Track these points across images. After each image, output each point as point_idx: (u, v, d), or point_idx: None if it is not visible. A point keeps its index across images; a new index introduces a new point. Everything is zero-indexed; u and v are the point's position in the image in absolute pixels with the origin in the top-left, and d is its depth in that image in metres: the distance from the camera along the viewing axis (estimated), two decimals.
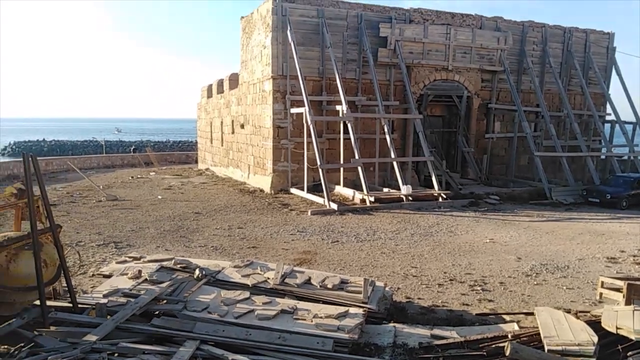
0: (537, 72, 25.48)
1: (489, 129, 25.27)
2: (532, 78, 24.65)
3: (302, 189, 20.06)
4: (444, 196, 19.05)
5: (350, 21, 21.70)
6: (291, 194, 20.51)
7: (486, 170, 25.11)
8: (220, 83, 29.69)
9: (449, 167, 23.78)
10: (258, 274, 8.24)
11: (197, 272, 8.03)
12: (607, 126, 27.66)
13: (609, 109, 27.20)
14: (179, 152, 47.18)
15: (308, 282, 7.93)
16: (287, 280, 7.89)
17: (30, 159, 6.29)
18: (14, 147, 71.87)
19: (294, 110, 20.74)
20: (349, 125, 19.57)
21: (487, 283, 9.53)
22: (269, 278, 7.99)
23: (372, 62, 21.44)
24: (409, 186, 18.97)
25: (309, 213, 16.48)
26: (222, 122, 29.45)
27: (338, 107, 20.35)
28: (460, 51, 23.51)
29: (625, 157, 26.32)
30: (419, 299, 8.63)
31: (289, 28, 20.39)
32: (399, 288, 9.12)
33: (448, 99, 24.64)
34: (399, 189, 19.06)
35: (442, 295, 8.80)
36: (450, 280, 9.69)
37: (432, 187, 20.05)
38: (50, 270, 6.65)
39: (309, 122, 19.30)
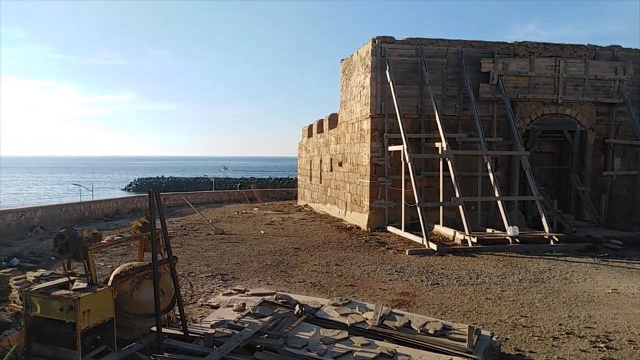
0: None
1: (607, 166, 23.05)
2: None
3: (399, 227, 19.73)
4: (556, 239, 17.54)
5: (450, 58, 21.50)
6: (388, 232, 20.26)
7: (605, 211, 22.75)
8: (320, 123, 30.77)
9: (560, 208, 21.92)
10: (356, 313, 8.17)
11: (297, 308, 8.18)
12: None
13: None
14: (280, 188, 49.28)
15: (408, 325, 7.68)
16: (385, 322, 7.72)
17: (154, 195, 6.97)
18: (137, 183, 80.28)
19: (391, 148, 20.75)
20: (449, 163, 19.06)
21: (612, 340, 8.47)
22: (367, 318, 7.88)
23: (473, 98, 20.89)
24: (516, 227, 17.77)
25: (407, 252, 16.09)
26: (321, 160, 30.32)
27: (437, 144, 19.98)
28: (572, 83, 22.04)
29: None
30: (531, 352, 7.91)
31: (387, 68, 20.72)
32: (507, 338, 8.46)
33: (558, 134, 23.03)
34: (503, 230, 17.95)
35: (558, 350, 7.98)
36: (567, 333, 8.77)
37: (541, 228, 18.61)
38: (166, 299, 7.20)
39: (407, 160, 19.15)
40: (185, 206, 29.14)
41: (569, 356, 7.76)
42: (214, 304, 9.26)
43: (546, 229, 18.28)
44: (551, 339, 8.52)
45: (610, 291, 11.76)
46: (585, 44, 22.64)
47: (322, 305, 8.53)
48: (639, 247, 17.87)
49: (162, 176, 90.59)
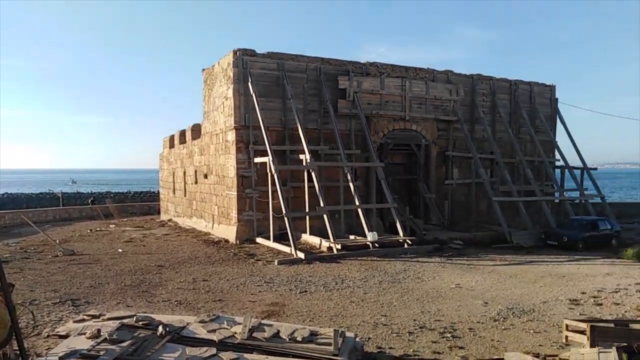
0: (489, 121, 26.84)
1: (448, 176, 26.10)
2: (485, 127, 25.95)
3: (268, 239, 19.84)
4: (410, 242, 19.26)
5: (309, 74, 22.43)
6: (257, 243, 20.23)
7: (448, 215, 25.70)
8: (183, 133, 29.61)
9: (412, 213, 24.20)
10: (224, 328, 7.95)
11: (160, 329, 7.68)
12: (557, 171, 29.13)
13: (557, 155, 28.79)
14: (140, 203, 45.95)
15: (277, 335, 7.71)
16: (255, 335, 7.65)
17: None
18: None
19: (257, 160, 20.83)
20: (313, 174, 19.78)
21: (457, 329, 9.54)
22: (236, 333, 7.72)
23: (333, 113, 22.05)
24: (375, 233, 19.11)
25: (276, 263, 16.23)
26: (185, 173, 29.14)
27: (301, 156, 20.61)
28: (416, 102, 24.59)
29: (577, 201, 27.61)
30: (390, 348, 8.52)
31: (250, 80, 20.83)
32: (369, 338, 8.99)
33: (407, 147, 25.42)
34: (364, 236, 19.16)
35: (413, 344, 8.73)
36: (421, 327, 9.65)
37: (397, 233, 20.27)
38: (0, 333, 6.20)
39: (273, 171, 19.40)
40: (26, 225, 25.49)
41: (422, 348, 8.53)
42: (63, 333, 8.24)
43: (400, 233, 19.97)
44: (407, 334, 9.29)
45: (454, 286, 13.27)
46: (426, 67, 25.49)
47: (188, 324, 8.14)
48: (475, 246, 20.52)
49: None
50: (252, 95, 20.75)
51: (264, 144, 20.24)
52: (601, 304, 11.44)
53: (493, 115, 27.30)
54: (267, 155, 19.89)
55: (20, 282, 12.95)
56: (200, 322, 8.30)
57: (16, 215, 30.45)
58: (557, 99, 29.91)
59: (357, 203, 20.40)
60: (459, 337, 9.07)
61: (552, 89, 29.91)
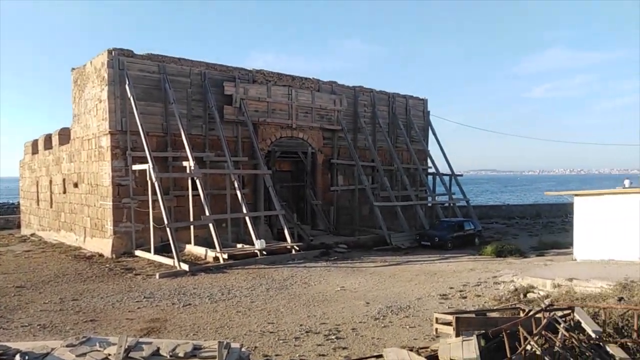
0: (370, 131, 28.40)
1: (333, 183, 27.01)
2: (366, 136, 27.40)
3: (149, 251, 18.68)
4: (297, 248, 19.49)
5: (193, 78, 21.72)
6: (136, 256, 18.92)
7: (334, 220, 26.55)
8: (48, 138, 26.75)
9: (299, 220, 24.56)
10: (97, 351, 7.24)
11: (17, 358, 6.75)
12: (430, 178, 31.76)
13: (430, 163, 31.40)
14: None
15: (156, 353, 7.21)
16: (132, 355, 7.07)
17: None
18: None
19: (136, 167, 19.56)
20: (198, 182, 19.11)
21: (341, 331, 9.83)
22: (110, 355, 7.07)
23: (219, 119, 21.58)
24: (263, 241, 19.01)
25: (157, 276, 15.32)
26: (51, 181, 26.28)
27: (185, 163, 19.81)
28: (302, 111, 25.13)
29: (447, 204, 30.35)
30: (277, 355, 8.49)
31: (127, 82, 19.54)
32: (256, 347, 8.87)
33: (294, 155, 25.83)
34: (252, 244, 18.96)
35: (299, 349, 8.80)
36: (307, 332, 9.77)
37: (285, 240, 20.39)
38: None
39: (154, 179, 18.36)
40: None
41: (308, 352, 8.63)
42: None
43: (288, 240, 20.13)
44: (294, 339, 9.34)
45: (339, 289, 13.70)
46: (311, 77, 26.19)
47: (53, 349, 7.26)
48: (359, 249, 21.47)
49: None
50: (129, 99, 19.45)
51: (144, 150, 19.07)
52: (466, 297, 12.64)
53: (374, 126, 28.92)
54: (147, 162, 18.77)
55: None
56: (68, 346, 7.46)
57: None
58: (429, 112, 32.68)
59: (244, 211, 20.14)
60: (343, 338, 9.36)
61: (424, 102, 32.60)
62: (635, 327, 7.08)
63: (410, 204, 27.18)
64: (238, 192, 20.37)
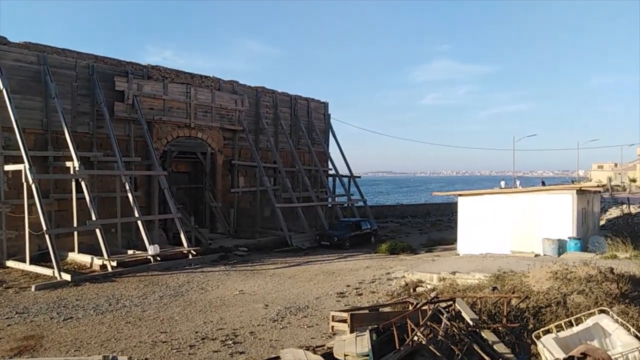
0: (272, 132, 28.36)
1: (234, 184, 26.49)
2: (268, 137, 27.31)
3: (24, 261, 16.73)
4: (194, 252, 18.77)
5: (80, 71, 19.98)
6: (7, 267, 16.85)
7: (234, 223, 26.03)
8: None
9: (197, 223, 23.72)
10: None
11: None
12: (330, 179, 32.55)
13: (330, 165, 32.18)
14: None
15: None
16: None
17: None
18: None
19: (9, 167, 17.46)
20: (83, 184, 17.57)
21: (238, 335, 9.60)
22: None
23: (108, 116, 20.05)
24: (157, 246, 18.00)
25: (33, 289, 13.76)
26: None
27: (68, 164, 18.13)
28: (202, 110, 24.32)
29: (345, 205, 31.30)
30: None
31: (0, 73, 17.40)
32: (146, 358, 8.33)
33: (193, 156, 24.90)
34: (146, 249, 17.86)
35: (194, 357, 8.43)
36: (202, 339, 9.40)
37: (181, 244, 19.53)
38: None
39: (31, 181, 16.51)
40: None
41: (203, 359, 8.30)
42: None
43: (185, 244, 19.30)
44: (188, 347, 8.92)
45: (237, 293, 13.41)
46: (212, 76, 25.48)
47: None
48: (259, 251, 21.26)
49: None
50: (2, 91, 17.31)
51: (19, 149, 17.08)
52: (361, 294, 13.08)
53: (276, 127, 28.92)
54: (23, 162, 16.84)
55: None
56: None
57: None
58: (329, 115, 33.48)
59: (136, 215, 18.92)
60: (240, 343, 9.15)
61: (325, 105, 33.34)
62: (504, 313, 7.82)
63: (311, 205, 27.59)
64: (129, 195, 19.09)
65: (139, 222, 18.83)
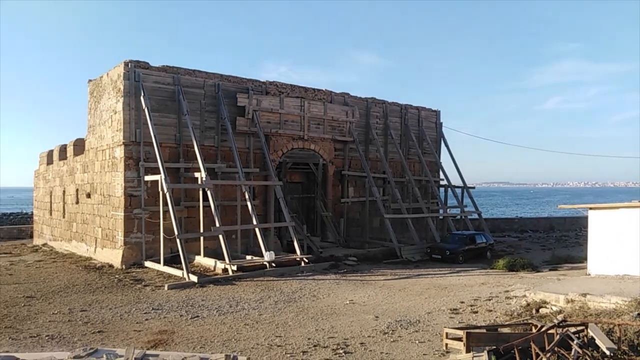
0: (382, 142, 28.32)
1: (344, 194, 26.91)
2: (378, 148, 27.32)
3: (158, 262, 18.70)
4: (306, 260, 19.37)
5: (207, 90, 21.91)
6: (145, 267, 18.96)
7: (344, 232, 26.41)
8: (63, 149, 27.11)
9: (309, 232, 24.46)
10: None
11: None
12: (442, 190, 31.51)
13: (442, 175, 31.17)
14: (9, 226, 40.89)
15: None
16: None
17: None
18: None
19: (148, 178, 19.70)
20: (209, 193, 19.17)
21: (349, 345, 9.69)
22: None
23: (231, 130, 21.69)
24: (272, 252, 18.93)
25: (166, 287, 15.31)
26: (64, 191, 26.59)
27: (197, 174, 19.91)
28: (314, 122, 25.16)
29: (458, 217, 30.03)
30: None
31: (142, 94, 19.77)
32: None
33: (306, 167, 25.83)
34: (262, 255, 18.89)
35: None
36: (315, 346, 9.65)
37: (294, 252, 20.29)
38: None
39: (165, 190, 18.45)
40: None
41: None
42: None
43: (298, 252, 20.03)
44: (301, 353, 9.22)
45: (348, 302, 13.55)
46: (324, 89, 26.27)
47: None
48: (368, 262, 21.27)
49: None
50: (144, 110, 19.67)
51: (156, 161, 19.22)
52: (477, 312, 12.41)
53: (385, 137, 28.85)
54: (159, 173, 18.89)
55: None
56: (75, 357, 7.46)
57: None
58: (441, 123, 32.52)
59: (254, 222, 20.11)
60: (351, 353, 9.21)
61: (437, 113, 32.47)
62: None
63: (422, 216, 26.95)
64: (248, 204, 20.38)
65: (257, 230, 19.99)
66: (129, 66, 19.96)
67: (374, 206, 26.53)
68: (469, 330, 7.88)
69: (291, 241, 21.03)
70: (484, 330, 8.49)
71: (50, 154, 29.28)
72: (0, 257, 23.27)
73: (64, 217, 26.44)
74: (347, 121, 26.31)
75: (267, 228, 21.79)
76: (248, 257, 19.53)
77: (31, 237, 32.11)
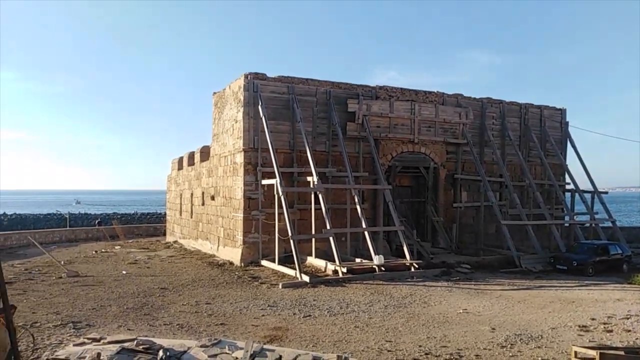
0: (498, 144, 26.74)
1: (456, 199, 25.91)
2: (494, 150, 25.84)
3: (273, 261, 19.71)
4: (416, 266, 19.01)
5: (319, 97, 22.62)
6: (262, 266, 20.09)
7: (456, 238, 25.41)
8: (192, 155, 29.85)
9: (419, 237, 23.94)
10: (226, 353, 7.83)
11: (160, 353, 7.58)
12: (568, 195, 28.79)
13: (568, 179, 28.48)
14: (147, 224, 46.14)
15: None
16: None
17: None
18: None
19: (265, 182, 20.88)
20: (320, 196, 19.74)
21: (463, 356, 9.30)
22: (237, 358, 7.60)
23: (341, 136, 22.13)
24: (381, 256, 18.90)
25: (280, 286, 16.07)
26: (192, 194, 29.25)
27: (309, 179, 20.62)
28: (425, 125, 24.61)
29: (587, 225, 27.19)
30: None
31: (260, 103, 21.04)
32: None
33: (415, 170, 25.37)
34: (371, 259, 18.95)
35: None
36: (426, 354, 9.42)
37: (403, 256, 20.03)
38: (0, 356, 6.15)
39: (280, 193, 19.39)
40: (32, 246, 25.62)
41: None
42: (62, 357, 8.14)
43: (407, 256, 19.73)
44: None
45: (461, 311, 13.00)
46: (435, 91, 25.59)
47: (189, 348, 8.03)
48: (483, 270, 20.20)
49: (4, 213, 78.98)
50: (261, 118, 20.93)
51: (272, 166, 20.31)
52: (611, 331, 11.12)
53: (503, 139, 27.22)
54: (275, 177, 19.93)
55: (23, 304, 12.92)
56: (202, 346, 8.19)
57: (23, 236, 30.66)
58: (567, 122, 29.76)
59: (364, 226, 20.26)
60: None
61: (562, 112, 29.80)
62: None
63: (544, 223, 24.91)
64: (358, 207, 20.59)
65: (366, 233, 20.11)
66: (248, 78, 21.40)
67: (489, 212, 25.15)
68: (603, 351, 7.12)
69: (400, 246, 20.78)
70: (622, 353, 7.60)
71: (180, 160, 32.43)
72: (140, 252, 26.31)
73: (191, 217, 29.08)
74: (460, 123, 25.31)
75: (376, 232, 21.79)
76: (357, 260, 19.71)
77: (164, 234, 35.83)
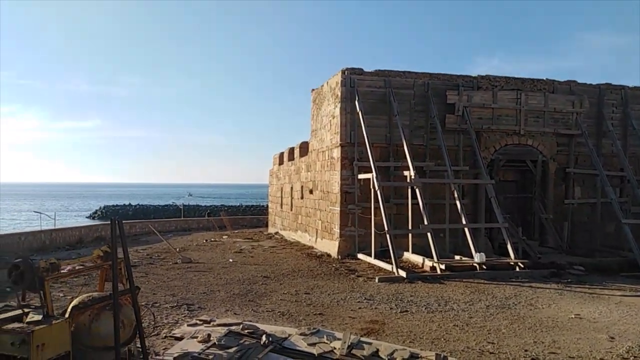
0: (619, 134, 24.13)
1: (568, 195, 23.90)
2: (614, 141, 23.35)
3: (369, 255, 19.79)
4: (522, 265, 17.91)
5: (417, 89, 22.14)
6: (358, 259, 20.28)
7: (567, 238, 23.46)
8: (292, 151, 30.95)
9: (525, 235, 22.47)
10: (324, 342, 8.09)
11: (263, 338, 8.04)
12: None
13: None
14: (250, 216, 48.82)
15: (376, 354, 7.66)
16: (354, 351, 7.67)
17: (116, 223, 6.82)
18: (103, 210, 77.92)
19: (361, 176, 20.99)
20: (417, 191, 19.38)
21: None
22: (335, 348, 7.81)
23: (440, 128, 21.47)
24: (483, 254, 18.08)
25: (377, 280, 16.10)
26: (292, 188, 30.34)
27: (406, 173, 20.34)
28: (532, 115, 22.98)
29: None
30: None
31: (356, 98, 21.15)
32: None
33: (521, 164, 23.82)
34: (471, 256, 18.23)
35: None
36: (532, 359, 8.89)
37: (507, 255, 18.99)
38: (127, 331, 6.96)
39: (376, 188, 19.38)
40: (152, 234, 28.47)
41: None
42: (178, 335, 8.99)
43: (512, 255, 18.66)
44: None
45: (573, 316, 12.03)
46: (545, 79, 23.75)
47: (289, 335, 8.42)
48: (599, 273, 18.43)
49: (130, 203, 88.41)
50: (358, 113, 21.05)
51: (368, 161, 20.36)
52: None
53: (624, 129, 24.51)
54: (371, 171, 19.96)
55: (145, 286, 14.38)
56: (301, 334, 8.54)
57: (145, 225, 34.16)
58: None
59: (463, 222, 19.52)
60: None
61: None
62: None
63: None
64: (457, 202, 19.88)
65: (466, 229, 19.36)
66: (345, 74, 21.61)
67: (607, 209, 22.83)
68: None
69: (504, 243, 19.70)
70: None
71: (281, 155, 33.79)
72: (244, 242, 27.94)
73: (291, 210, 30.20)
74: (574, 112, 23.24)
75: (476, 228, 20.89)
76: (456, 257, 19.08)
77: (266, 226, 37.64)
